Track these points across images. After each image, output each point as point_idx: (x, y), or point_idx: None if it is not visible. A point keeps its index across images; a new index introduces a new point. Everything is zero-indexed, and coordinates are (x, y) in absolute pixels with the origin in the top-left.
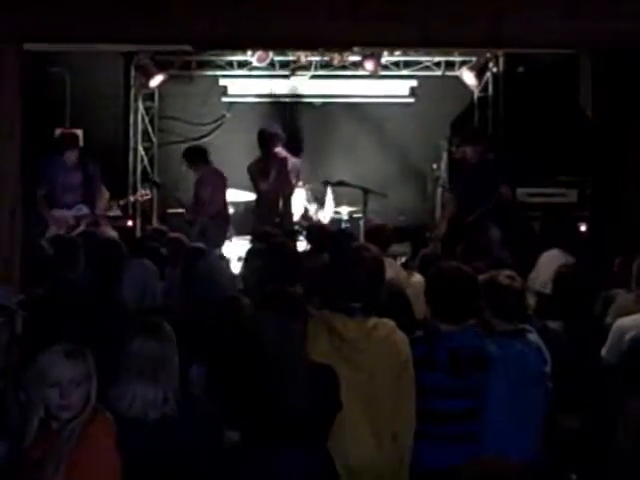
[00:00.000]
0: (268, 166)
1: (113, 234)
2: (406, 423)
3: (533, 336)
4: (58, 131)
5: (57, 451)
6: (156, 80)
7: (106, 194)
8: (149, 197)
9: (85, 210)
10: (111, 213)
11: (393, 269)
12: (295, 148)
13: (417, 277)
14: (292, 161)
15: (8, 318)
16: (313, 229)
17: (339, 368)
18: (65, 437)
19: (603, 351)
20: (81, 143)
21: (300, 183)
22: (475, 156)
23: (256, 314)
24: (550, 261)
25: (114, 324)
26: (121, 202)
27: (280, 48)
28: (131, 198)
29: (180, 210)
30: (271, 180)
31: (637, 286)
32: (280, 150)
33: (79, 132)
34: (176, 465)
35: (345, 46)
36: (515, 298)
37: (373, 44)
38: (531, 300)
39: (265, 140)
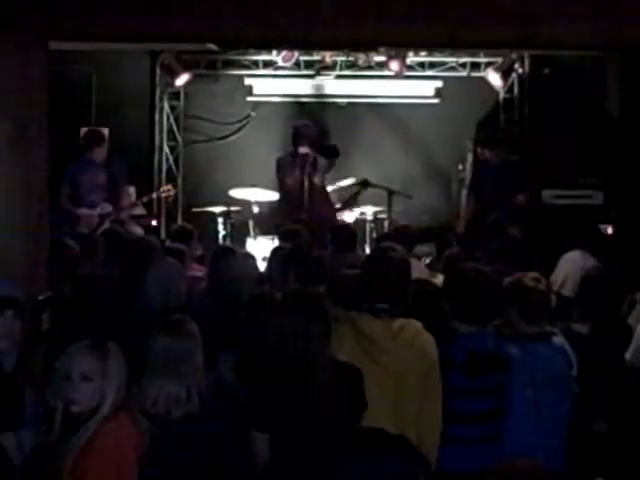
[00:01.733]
0: (294, 163)
1: (139, 232)
2: (432, 424)
3: (559, 339)
4: (84, 130)
5: (72, 446)
6: (182, 79)
7: (132, 193)
8: (172, 193)
9: (109, 209)
10: (136, 212)
11: (417, 270)
12: (323, 149)
13: (440, 278)
14: (321, 162)
15: (18, 311)
16: (338, 228)
17: (365, 369)
18: (80, 433)
19: (627, 355)
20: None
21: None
22: (495, 158)
23: (278, 314)
24: (570, 263)
25: (138, 322)
26: (144, 199)
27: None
28: (154, 195)
29: (206, 209)
30: (296, 177)
31: None
32: (307, 150)
33: (105, 131)
34: (200, 463)
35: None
36: (541, 300)
37: (399, 44)
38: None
39: (293, 137)
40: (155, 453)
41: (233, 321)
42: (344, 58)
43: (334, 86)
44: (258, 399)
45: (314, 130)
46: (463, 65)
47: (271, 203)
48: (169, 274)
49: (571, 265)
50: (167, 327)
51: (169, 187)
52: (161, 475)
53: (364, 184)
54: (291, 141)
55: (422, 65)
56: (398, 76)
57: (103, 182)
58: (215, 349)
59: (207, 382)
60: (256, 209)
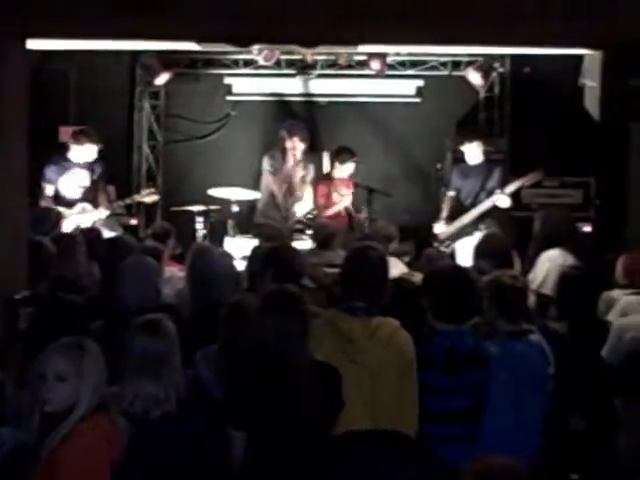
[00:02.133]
0: (281, 161)
1: (119, 231)
2: (409, 423)
3: (536, 337)
4: (65, 129)
5: (47, 445)
6: (161, 78)
7: (111, 192)
8: (155, 198)
9: (89, 208)
10: (115, 211)
11: (397, 268)
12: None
13: (419, 277)
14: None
15: None
16: (317, 227)
17: (343, 367)
18: (55, 432)
19: (603, 352)
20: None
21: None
22: (475, 149)
23: (257, 314)
24: (550, 261)
25: (116, 321)
26: (127, 200)
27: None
28: (136, 197)
29: (185, 208)
30: (281, 174)
31: None
32: (292, 146)
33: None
34: (178, 463)
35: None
36: (519, 298)
37: (376, 42)
38: (531, 300)
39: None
40: (133, 453)
41: (211, 320)
42: (325, 57)
43: (315, 85)
44: (236, 398)
45: (305, 129)
46: (444, 64)
47: (251, 202)
48: (146, 273)
49: (551, 263)
50: (144, 327)
51: (152, 190)
52: (140, 475)
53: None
54: (280, 140)
55: (403, 64)
56: (379, 75)
57: (85, 182)
58: (193, 348)
59: (185, 381)
60: (235, 208)
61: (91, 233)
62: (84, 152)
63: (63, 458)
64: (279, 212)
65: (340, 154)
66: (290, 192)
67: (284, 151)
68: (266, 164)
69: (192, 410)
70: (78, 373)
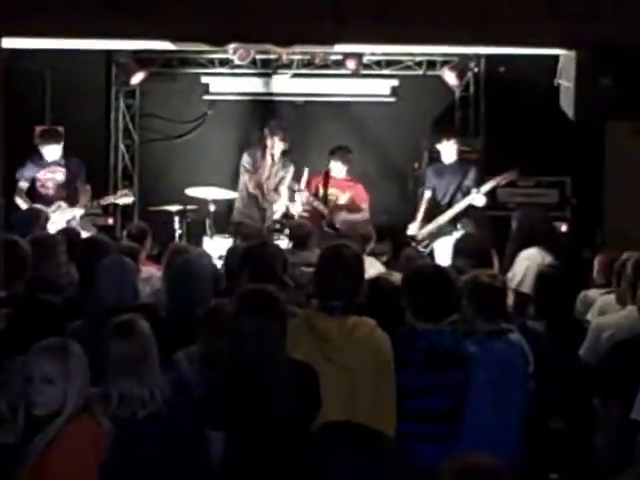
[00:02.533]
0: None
1: (92, 231)
2: (387, 422)
3: (515, 336)
4: (39, 128)
5: (34, 448)
6: (137, 77)
7: (88, 192)
8: (129, 200)
9: (65, 207)
10: (91, 210)
11: (375, 268)
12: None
13: (397, 276)
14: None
15: None
16: (294, 226)
17: (320, 367)
18: (41, 435)
19: (581, 351)
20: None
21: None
22: (450, 147)
23: (234, 314)
24: (528, 260)
25: (94, 322)
26: (101, 202)
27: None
28: (112, 199)
29: (162, 207)
30: (258, 173)
31: (617, 285)
32: (271, 145)
33: (60, 129)
34: (164, 463)
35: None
36: (497, 297)
37: (351, 41)
38: (509, 298)
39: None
40: (121, 454)
41: (188, 320)
42: (300, 56)
43: (291, 84)
44: (213, 398)
45: (286, 130)
46: (419, 64)
47: (228, 201)
48: (123, 273)
49: (529, 262)
50: (118, 328)
51: (126, 192)
52: (127, 475)
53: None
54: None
55: (378, 64)
56: (354, 74)
57: (61, 180)
58: (171, 348)
59: (168, 381)
60: (212, 208)
61: (71, 233)
62: (50, 151)
63: (51, 461)
64: (257, 211)
65: (338, 152)
66: (267, 191)
67: (264, 149)
68: (244, 161)
69: (177, 410)
70: (65, 375)
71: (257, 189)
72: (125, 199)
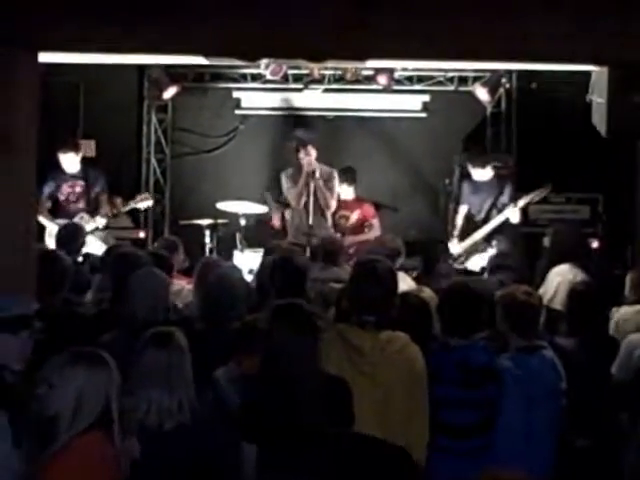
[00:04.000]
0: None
1: (111, 243)
2: (419, 436)
3: (549, 352)
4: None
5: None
6: (169, 92)
7: (119, 204)
8: (150, 203)
9: (87, 218)
10: (123, 224)
11: (405, 283)
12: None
13: (428, 292)
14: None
15: (32, 331)
16: (325, 242)
17: (353, 381)
18: (52, 446)
19: (613, 368)
20: (93, 153)
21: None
22: (484, 175)
23: (267, 329)
24: (560, 276)
25: (126, 334)
26: (122, 209)
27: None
28: (132, 204)
29: (193, 221)
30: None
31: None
32: (304, 157)
33: (92, 142)
34: (193, 475)
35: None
36: (532, 314)
37: (382, 57)
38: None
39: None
40: (146, 464)
41: (221, 334)
42: (332, 72)
43: (322, 99)
44: (249, 411)
45: (307, 134)
46: (450, 79)
47: (258, 216)
48: (156, 286)
49: (561, 278)
50: (157, 339)
51: (146, 195)
52: None
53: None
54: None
55: (410, 79)
56: (386, 90)
57: (81, 192)
58: (205, 362)
59: (202, 394)
60: (243, 222)
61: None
62: (68, 161)
63: (50, 473)
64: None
65: (343, 174)
66: (316, 203)
67: (299, 165)
68: (284, 182)
69: (206, 421)
70: (88, 385)
71: (299, 204)
72: (145, 203)
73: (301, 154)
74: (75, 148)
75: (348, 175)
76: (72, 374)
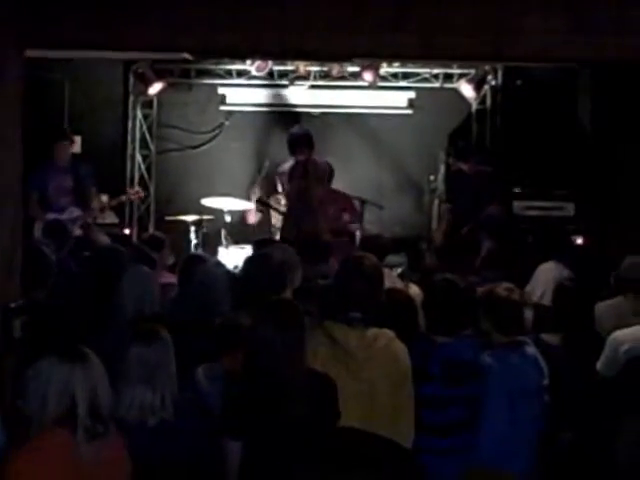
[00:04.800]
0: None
1: (105, 239)
2: (405, 433)
3: (531, 349)
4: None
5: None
6: (155, 88)
7: (104, 200)
8: (141, 194)
9: (77, 212)
10: (107, 220)
11: (390, 280)
12: None
13: (414, 289)
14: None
15: None
16: (309, 238)
17: (340, 378)
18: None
19: (598, 364)
20: (79, 149)
21: None
22: (468, 169)
23: (253, 324)
24: (546, 273)
25: (112, 330)
26: (113, 202)
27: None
28: (123, 197)
29: (178, 217)
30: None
31: None
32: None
33: (77, 138)
34: (175, 471)
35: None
36: (513, 311)
37: (371, 56)
38: (528, 313)
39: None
40: (132, 460)
41: (205, 329)
42: (318, 68)
43: (307, 96)
44: (232, 407)
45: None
46: (436, 76)
47: (243, 212)
48: (143, 282)
49: (548, 275)
50: (142, 335)
51: (138, 189)
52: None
53: None
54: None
55: (395, 76)
56: (371, 87)
57: (69, 186)
58: (188, 357)
59: (183, 392)
60: (228, 218)
61: (86, 242)
62: (62, 150)
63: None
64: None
65: None
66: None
67: (294, 166)
68: (279, 181)
69: (188, 418)
70: (76, 381)
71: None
72: (137, 195)
73: (299, 156)
74: (70, 139)
75: None
76: (44, 369)
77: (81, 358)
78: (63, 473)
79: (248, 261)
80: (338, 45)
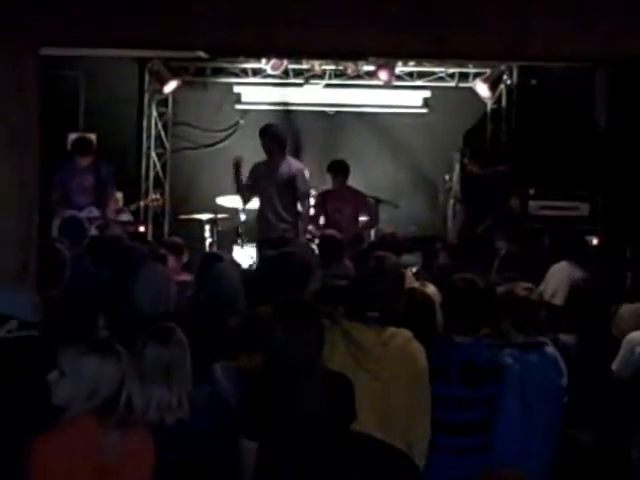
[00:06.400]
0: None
1: (123, 237)
2: (421, 433)
3: (550, 349)
4: (73, 136)
5: None
6: (170, 86)
7: (119, 199)
8: (160, 202)
9: (96, 212)
10: (123, 218)
11: (407, 280)
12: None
13: (431, 288)
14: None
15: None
16: (324, 238)
17: (356, 377)
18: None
19: (613, 365)
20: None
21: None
22: (483, 170)
23: (271, 324)
24: (559, 273)
25: (128, 329)
26: (132, 207)
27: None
28: (141, 203)
29: (193, 216)
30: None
31: None
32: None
33: (93, 136)
34: (192, 470)
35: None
36: (532, 310)
37: (386, 54)
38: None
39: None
40: None
41: (221, 328)
42: (333, 67)
43: (323, 95)
44: (249, 406)
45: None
46: (451, 75)
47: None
48: (159, 281)
49: (560, 276)
50: (158, 334)
51: (157, 197)
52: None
53: None
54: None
55: (411, 75)
56: (387, 86)
57: (90, 185)
58: (204, 356)
59: (201, 392)
60: (243, 217)
61: (103, 240)
62: (82, 159)
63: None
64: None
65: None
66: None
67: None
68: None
69: (205, 417)
70: (99, 374)
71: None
72: (157, 203)
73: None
74: (90, 149)
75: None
76: (86, 363)
77: (115, 351)
78: (85, 459)
79: (271, 260)
80: (352, 43)
